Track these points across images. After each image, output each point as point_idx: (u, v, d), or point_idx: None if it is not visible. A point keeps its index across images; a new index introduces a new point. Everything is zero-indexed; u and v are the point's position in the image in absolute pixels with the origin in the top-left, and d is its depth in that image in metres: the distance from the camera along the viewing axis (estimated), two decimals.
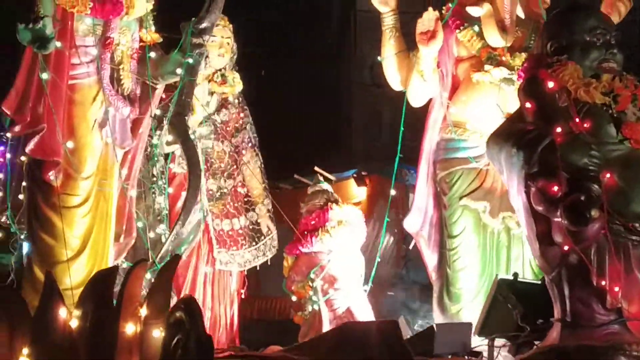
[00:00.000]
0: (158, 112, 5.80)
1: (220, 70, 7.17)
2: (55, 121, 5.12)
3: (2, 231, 5.67)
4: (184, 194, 6.01)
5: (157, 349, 3.96)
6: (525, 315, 5.03)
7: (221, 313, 6.96)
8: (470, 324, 5.42)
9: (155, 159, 6.62)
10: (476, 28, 6.44)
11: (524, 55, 6.21)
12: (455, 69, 6.56)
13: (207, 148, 6.99)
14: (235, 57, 7.28)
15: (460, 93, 6.48)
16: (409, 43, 6.61)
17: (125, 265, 5.90)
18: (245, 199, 7.11)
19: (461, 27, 6.49)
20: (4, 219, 5.54)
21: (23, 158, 5.33)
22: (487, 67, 6.34)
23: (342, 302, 6.66)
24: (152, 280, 4.72)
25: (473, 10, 6.40)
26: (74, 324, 4.07)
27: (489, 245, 6.30)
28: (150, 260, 5.48)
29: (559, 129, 4.44)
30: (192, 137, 6.71)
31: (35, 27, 4.90)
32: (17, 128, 5.22)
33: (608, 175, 4.41)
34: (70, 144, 5.19)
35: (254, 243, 7.03)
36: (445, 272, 6.40)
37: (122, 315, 4.02)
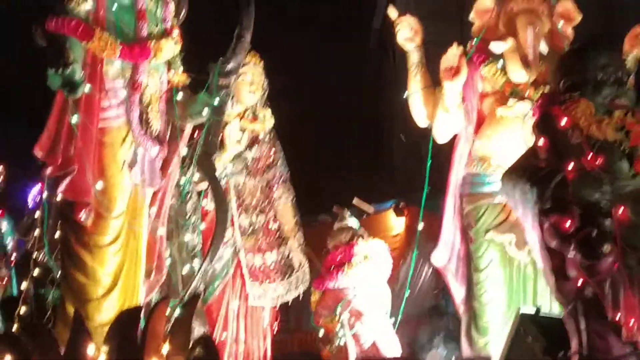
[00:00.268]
0: (186, 151, 5.91)
1: (251, 107, 7.32)
2: (86, 163, 5.24)
3: (40, 267, 5.82)
4: None
5: None
6: (546, 349, 5.06)
7: (254, 347, 7.06)
8: (490, 358, 5.46)
9: (188, 196, 6.75)
10: (500, 63, 6.51)
11: (547, 89, 6.26)
12: (480, 104, 6.61)
13: (239, 184, 7.13)
14: (266, 93, 7.42)
15: (485, 128, 6.54)
16: (434, 78, 6.71)
17: None
18: (277, 234, 7.22)
19: (485, 63, 6.55)
20: (41, 255, 5.68)
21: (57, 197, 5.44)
22: (510, 101, 6.40)
23: (369, 336, 6.74)
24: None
25: (496, 46, 6.50)
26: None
27: (515, 278, 6.32)
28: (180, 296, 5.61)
29: (571, 165, 4.52)
30: (222, 174, 6.88)
31: (65, 72, 5.03)
32: (49, 170, 5.34)
33: (621, 209, 4.47)
34: (100, 185, 5.29)
35: (286, 277, 7.13)
36: (473, 305, 6.43)
37: (145, 351, 4.14)
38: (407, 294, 6.92)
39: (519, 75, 6.38)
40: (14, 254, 10.25)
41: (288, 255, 7.18)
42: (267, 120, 7.38)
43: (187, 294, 5.66)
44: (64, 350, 4.32)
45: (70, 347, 4.31)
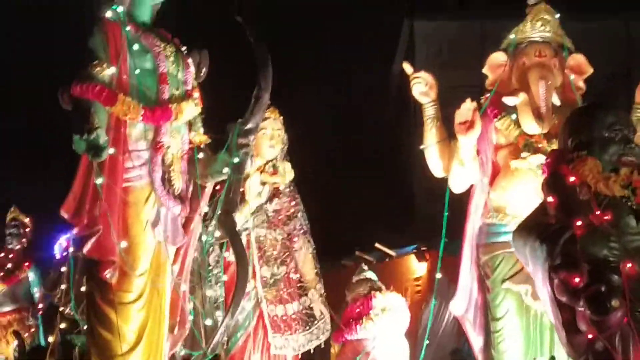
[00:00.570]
0: (207, 209, 6.05)
1: (271, 160, 7.47)
2: (110, 223, 5.38)
3: (67, 321, 5.99)
4: None
5: None
6: None
7: None
8: None
9: (210, 248, 6.90)
10: (513, 116, 6.64)
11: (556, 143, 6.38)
12: (495, 156, 6.73)
13: (260, 236, 7.26)
14: (286, 147, 7.58)
15: (500, 179, 6.65)
16: (450, 128, 6.83)
17: (183, 352, 6.18)
18: (299, 285, 7.33)
19: (499, 116, 6.69)
20: (68, 310, 5.84)
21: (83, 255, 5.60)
22: (524, 154, 6.51)
23: None
24: None
25: (509, 100, 6.63)
26: None
27: (532, 328, 6.38)
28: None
29: (579, 222, 4.64)
30: (244, 227, 7.02)
31: (89, 137, 5.19)
32: (75, 231, 5.51)
33: (629, 265, 4.59)
34: (124, 244, 5.44)
35: (307, 327, 7.22)
36: (491, 353, 6.50)
37: None
38: (426, 342, 7.00)
39: (532, 128, 6.51)
40: (41, 305, 10.46)
41: (309, 306, 7.29)
42: (287, 173, 7.53)
43: (211, 347, 5.78)
44: None
45: None
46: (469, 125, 6.48)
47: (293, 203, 7.51)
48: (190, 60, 5.99)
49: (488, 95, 6.83)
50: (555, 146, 6.37)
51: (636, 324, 4.52)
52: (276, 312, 7.18)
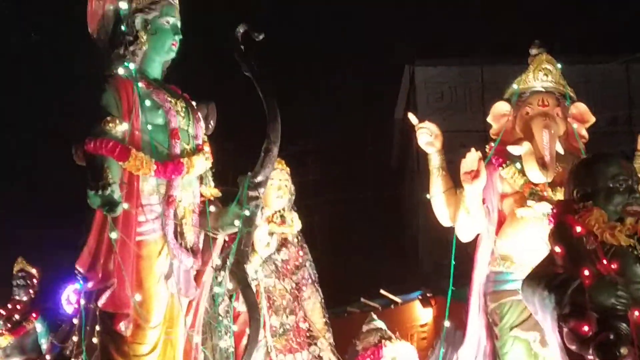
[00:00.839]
0: (219, 261, 6.12)
1: (279, 211, 7.57)
2: (125, 276, 5.45)
3: None
4: (248, 330, 6.30)
5: None
6: None
7: None
8: None
9: (220, 299, 6.96)
10: (518, 165, 6.75)
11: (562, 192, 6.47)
12: (501, 204, 6.82)
13: (269, 286, 7.34)
14: (293, 198, 7.69)
15: (506, 227, 6.74)
16: (454, 175, 6.93)
17: None
18: (308, 334, 7.41)
19: (504, 165, 6.80)
20: None
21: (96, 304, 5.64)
22: (530, 202, 6.61)
23: None
24: None
25: (514, 149, 6.74)
26: None
27: None
28: None
29: (586, 272, 4.72)
30: (253, 277, 7.09)
31: (105, 193, 5.25)
32: (90, 284, 5.54)
33: (637, 313, 4.66)
34: (138, 297, 5.48)
35: None
36: None
37: None
38: None
39: (537, 176, 6.61)
40: (48, 356, 10.51)
41: (319, 355, 7.36)
42: (294, 223, 7.64)
43: None
44: None
45: None
46: (475, 174, 6.57)
47: (301, 253, 7.62)
48: (200, 115, 6.09)
49: (493, 144, 6.93)
50: (559, 194, 6.49)
51: None
52: None
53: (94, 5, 6.00)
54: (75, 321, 5.99)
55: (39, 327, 11.17)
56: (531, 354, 6.47)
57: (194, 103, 6.13)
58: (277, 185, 7.50)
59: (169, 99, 5.89)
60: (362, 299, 14.82)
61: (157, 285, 5.65)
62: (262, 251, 7.28)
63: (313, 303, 7.51)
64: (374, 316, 7.85)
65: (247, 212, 5.86)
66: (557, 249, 4.97)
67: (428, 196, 7.01)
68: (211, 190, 6.05)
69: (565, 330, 4.75)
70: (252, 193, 5.88)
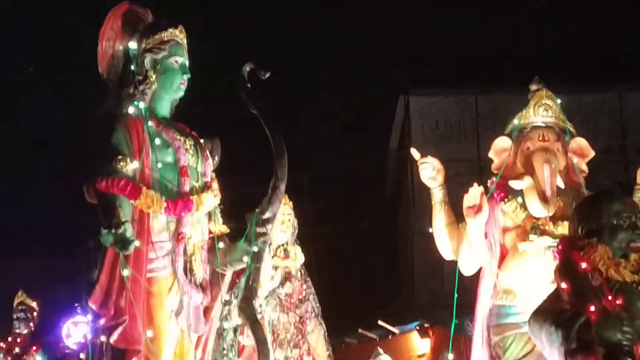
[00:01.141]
0: (228, 297, 6.19)
1: (282, 245, 7.66)
2: (136, 313, 5.51)
3: None
4: None
5: None
6: None
7: None
8: None
9: (225, 332, 7.03)
10: (520, 199, 6.84)
11: (566, 223, 6.43)
12: (503, 238, 6.90)
13: (273, 320, 7.42)
14: (296, 232, 7.77)
15: (508, 261, 6.81)
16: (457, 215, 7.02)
17: None
18: None
19: (506, 200, 6.89)
20: None
21: (102, 338, 5.68)
22: (531, 236, 6.69)
23: None
24: None
25: (515, 184, 6.84)
26: None
27: None
28: None
29: (592, 308, 4.83)
30: (258, 311, 7.17)
31: (117, 231, 5.30)
32: (102, 321, 5.59)
33: None
34: (150, 333, 5.54)
35: None
36: None
37: None
38: None
39: (539, 211, 6.69)
40: None
41: None
42: (298, 257, 7.72)
43: None
44: None
45: None
46: (477, 209, 6.66)
47: (304, 286, 7.70)
48: (207, 153, 6.18)
49: (494, 179, 7.02)
50: (561, 228, 6.59)
51: None
52: None
53: (104, 45, 6.10)
54: (82, 356, 6.04)
55: None
56: None
57: (202, 141, 6.22)
58: (280, 220, 7.59)
59: (178, 137, 5.98)
60: (360, 330, 14.86)
61: (167, 322, 5.71)
62: (266, 285, 7.37)
63: (317, 336, 7.59)
64: (380, 350, 7.93)
65: (255, 248, 5.94)
66: (563, 285, 5.07)
67: (431, 230, 7.10)
68: (220, 227, 6.13)
69: None
70: (260, 229, 5.96)
